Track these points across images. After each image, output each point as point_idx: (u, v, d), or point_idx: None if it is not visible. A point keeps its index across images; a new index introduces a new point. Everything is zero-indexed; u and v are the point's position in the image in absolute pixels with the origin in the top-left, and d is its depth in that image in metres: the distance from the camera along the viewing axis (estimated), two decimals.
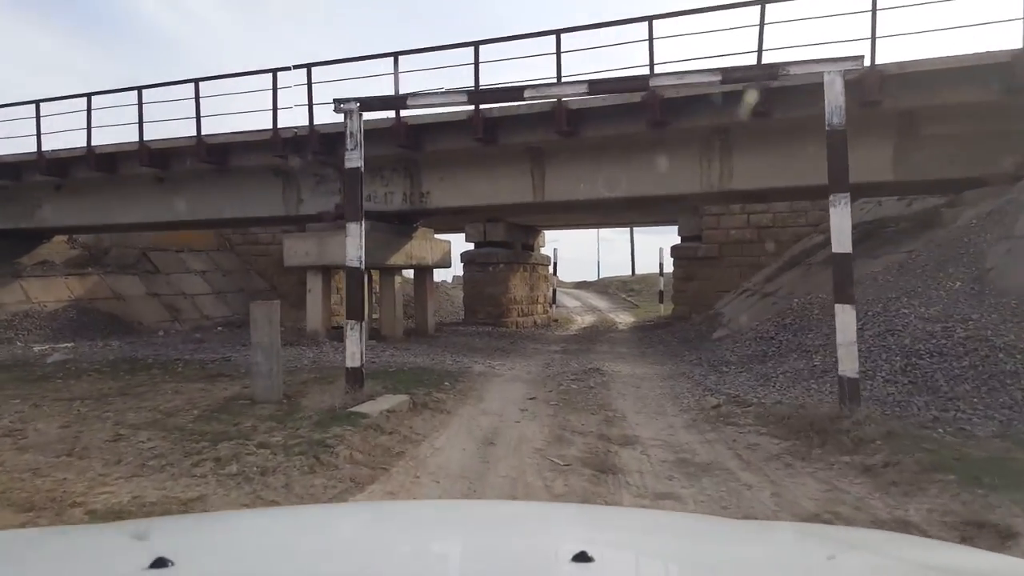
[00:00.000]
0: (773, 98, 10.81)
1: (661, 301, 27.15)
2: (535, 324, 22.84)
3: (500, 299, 20.92)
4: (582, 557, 1.08)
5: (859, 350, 7.31)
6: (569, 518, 1.97)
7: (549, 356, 12.88)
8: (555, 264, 27.79)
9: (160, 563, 1.07)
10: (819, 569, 1.28)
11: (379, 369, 9.53)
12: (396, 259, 14.87)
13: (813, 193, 12.93)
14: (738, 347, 10.40)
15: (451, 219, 21.15)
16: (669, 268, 24.75)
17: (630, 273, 48.89)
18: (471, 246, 21.64)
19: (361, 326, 6.93)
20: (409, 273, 17.68)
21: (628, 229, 45.86)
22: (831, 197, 6.43)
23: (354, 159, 7.14)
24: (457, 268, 22.31)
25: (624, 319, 26.89)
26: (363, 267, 6.99)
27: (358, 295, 6.98)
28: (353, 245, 7.08)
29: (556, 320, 25.19)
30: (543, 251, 24.73)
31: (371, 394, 6.86)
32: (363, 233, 7.17)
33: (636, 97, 11.37)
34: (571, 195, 13.08)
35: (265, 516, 2.45)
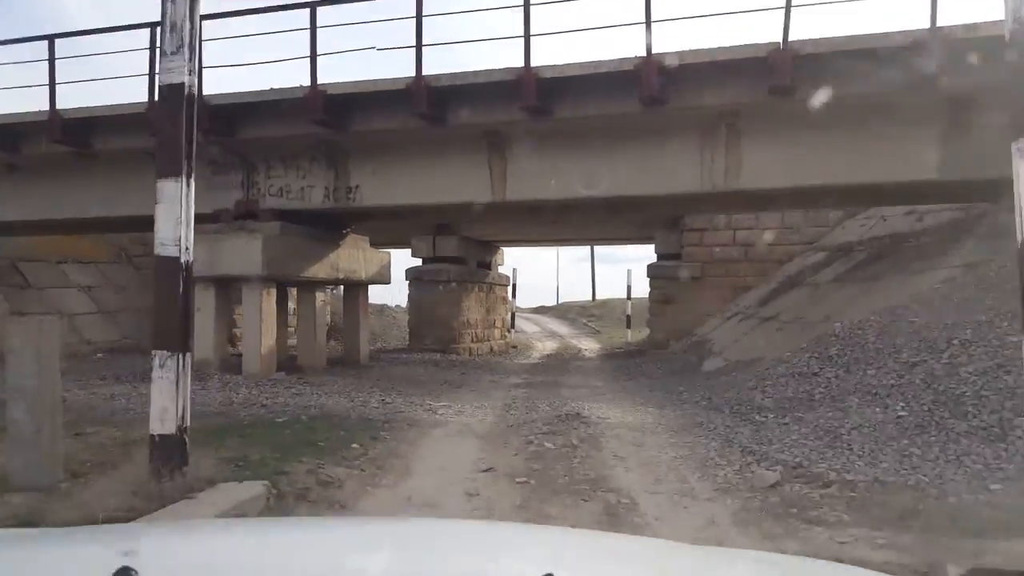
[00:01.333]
0: (802, 70, 8.38)
1: (628, 326, 24.64)
2: (491, 351, 20.07)
3: (451, 322, 18.12)
4: None
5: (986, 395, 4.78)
6: (536, 540, 1.88)
7: (510, 393, 10.15)
8: (514, 285, 25.13)
9: (124, 572, 1.04)
10: None
11: (259, 419, 6.69)
12: (317, 271, 12.00)
13: (839, 195, 10.50)
14: (768, 386, 7.76)
15: (391, 228, 18.34)
16: (638, 291, 22.39)
17: (590, 298, 46.58)
18: (418, 263, 18.85)
19: (181, 361, 4.00)
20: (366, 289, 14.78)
21: (588, 248, 43.40)
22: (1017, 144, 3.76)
23: (177, 70, 4.30)
24: (403, 289, 19.56)
25: (588, 346, 24.29)
26: (184, 259, 4.08)
27: (174, 308, 4.04)
28: (168, 218, 4.17)
29: (515, 346, 22.45)
30: (501, 270, 22.07)
31: (196, 481, 3.96)
32: (188, 199, 4.30)
33: (627, 65, 8.83)
34: (539, 193, 10.43)
35: (237, 526, 2.53)
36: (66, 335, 15.34)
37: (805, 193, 10.09)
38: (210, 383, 9.51)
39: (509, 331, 23.83)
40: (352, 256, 12.96)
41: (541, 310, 44.94)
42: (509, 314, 24.49)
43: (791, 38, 8.35)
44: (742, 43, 8.60)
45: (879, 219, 14.18)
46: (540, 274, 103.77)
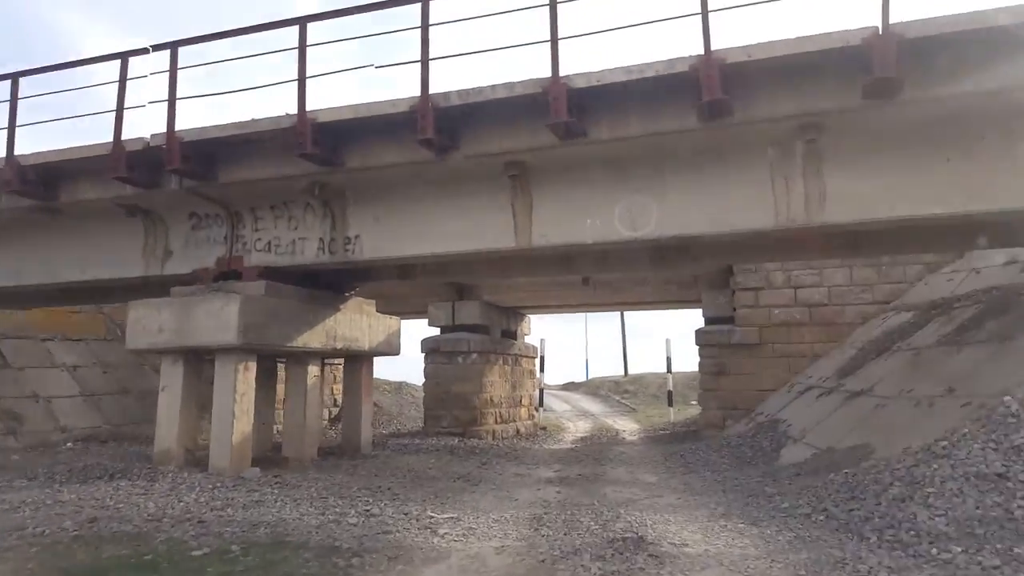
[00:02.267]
0: (908, 65, 6.48)
1: (671, 404, 22.27)
2: (518, 433, 17.83)
3: (472, 400, 16.00)
4: None
5: None
6: None
7: (540, 494, 7.96)
8: (542, 358, 23.01)
9: None
10: None
11: (172, 548, 4.60)
12: (309, 339, 10.05)
13: (961, 230, 8.36)
14: (932, 496, 5.34)
15: (405, 295, 16.52)
16: (678, 364, 20.14)
17: (622, 373, 44.14)
18: (436, 332, 16.90)
19: None
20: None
21: (620, 316, 41.28)
22: None
23: None
24: (417, 362, 17.49)
25: (626, 426, 21.90)
26: None
27: None
28: None
29: (544, 428, 20.17)
30: (528, 340, 20.01)
31: None
32: None
33: (680, 66, 7.00)
34: (572, 236, 8.47)
35: None
36: (39, 422, 13.56)
37: (912, 228, 8.00)
38: (159, 483, 7.46)
39: (537, 410, 21.60)
40: (354, 322, 11.03)
41: (570, 386, 42.52)
42: (537, 390, 22.30)
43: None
44: (826, 31, 6.73)
45: (970, 272, 12.01)
46: (567, 348, 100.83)
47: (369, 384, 11.99)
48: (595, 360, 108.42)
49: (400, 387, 25.38)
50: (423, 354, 16.49)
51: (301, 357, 10.31)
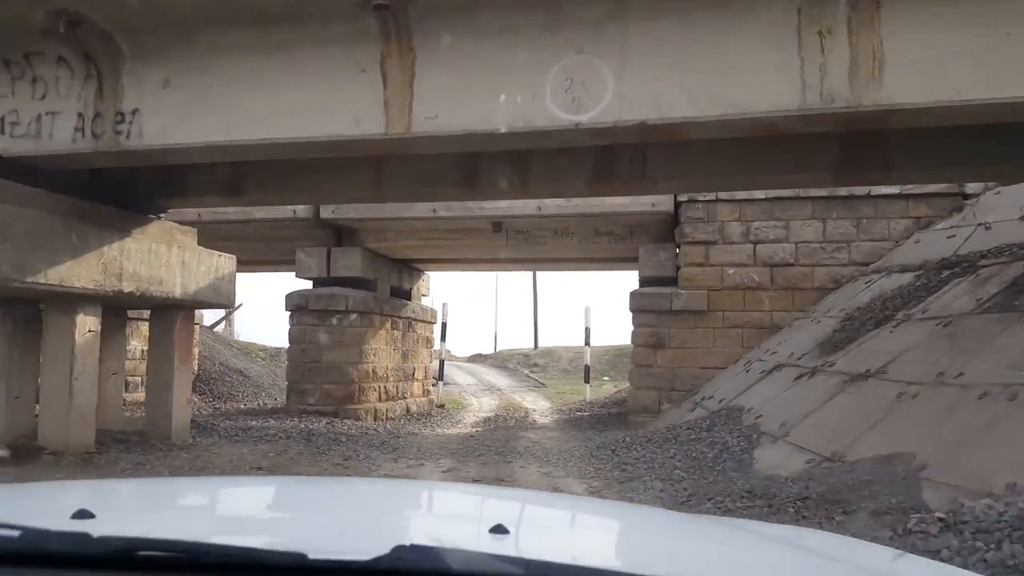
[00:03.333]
0: None
1: (587, 380, 19.59)
2: (407, 413, 14.66)
3: (348, 371, 12.71)
4: (498, 529, 1.11)
5: None
6: (486, 498, 2.02)
7: None
8: (444, 325, 19.88)
9: (82, 514, 1.10)
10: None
11: None
12: (72, 275, 6.53)
13: None
14: None
15: (263, 235, 13.05)
16: (597, 337, 17.37)
17: (532, 345, 41.62)
18: (307, 286, 13.47)
19: None
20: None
21: (531, 275, 38.56)
22: None
23: None
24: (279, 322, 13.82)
25: (537, 404, 19.08)
26: None
27: None
28: None
29: (442, 405, 17.08)
30: (425, 302, 16.77)
31: None
32: None
33: None
34: (476, 119, 5.29)
35: (190, 481, 2.68)
36: None
37: (1003, 129, 5.22)
38: None
39: (435, 384, 18.49)
40: (155, 256, 7.55)
41: (477, 359, 39.66)
42: (436, 361, 19.18)
43: None
44: None
45: (977, 227, 9.58)
46: (475, 317, 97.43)
47: (187, 345, 8.58)
48: (507, 332, 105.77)
49: (279, 354, 21.71)
50: (288, 312, 13.05)
51: (62, 301, 6.79)
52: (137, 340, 15.38)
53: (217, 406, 15.22)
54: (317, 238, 13.37)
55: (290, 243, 13.45)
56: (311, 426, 10.78)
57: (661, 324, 11.47)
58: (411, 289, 15.64)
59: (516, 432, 11.74)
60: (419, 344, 15.79)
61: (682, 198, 11.50)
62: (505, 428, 12.86)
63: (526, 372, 32.38)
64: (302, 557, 0.91)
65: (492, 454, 8.79)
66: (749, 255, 11.41)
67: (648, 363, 11.48)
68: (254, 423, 10.64)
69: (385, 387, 13.76)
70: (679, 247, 11.76)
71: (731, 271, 11.39)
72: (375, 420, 13.01)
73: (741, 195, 11.35)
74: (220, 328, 23.90)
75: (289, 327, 13.01)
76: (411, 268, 15.58)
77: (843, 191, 11.17)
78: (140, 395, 14.38)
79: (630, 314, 11.80)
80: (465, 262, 14.93)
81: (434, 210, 12.03)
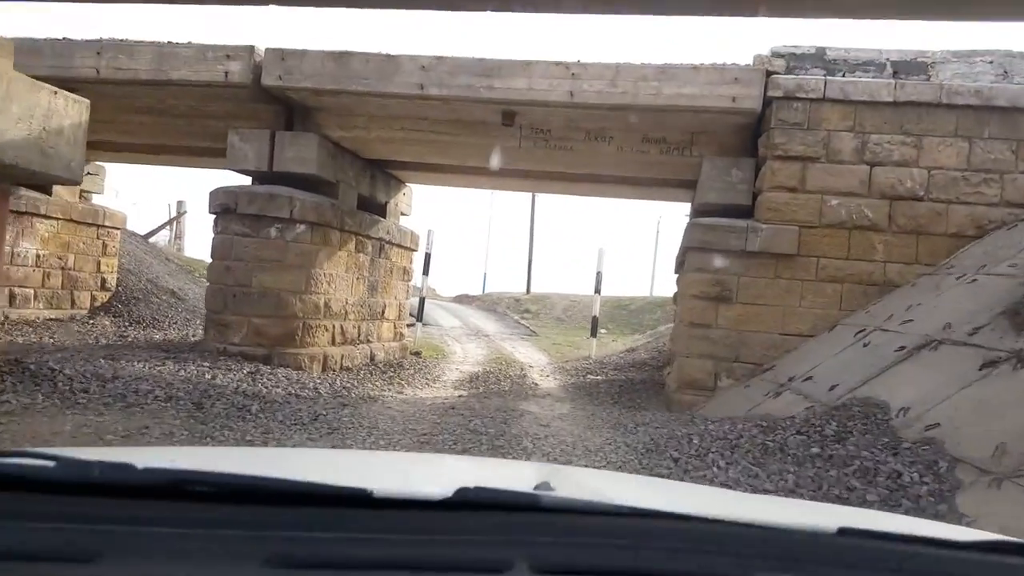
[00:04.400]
0: None
1: (594, 334, 16.33)
2: (371, 361, 11.36)
3: (290, 303, 9.34)
4: (544, 487, 1.05)
5: None
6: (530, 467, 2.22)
7: None
8: (429, 256, 16.47)
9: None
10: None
11: None
12: None
13: None
14: None
15: (185, 110, 9.58)
16: (624, 285, 14.03)
17: (524, 290, 38.44)
18: (245, 182, 9.99)
19: None
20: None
21: (530, 197, 35.36)
22: None
23: None
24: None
25: (532, 357, 15.84)
26: None
27: None
28: None
29: (418, 353, 13.81)
30: (406, 223, 13.29)
31: None
32: None
33: None
34: None
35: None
36: None
37: None
38: None
39: (412, 325, 15.23)
40: None
41: (463, 299, 36.48)
42: (416, 299, 15.88)
43: None
44: None
45: None
46: (463, 255, 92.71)
47: None
48: (497, 274, 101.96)
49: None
50: (213, 215, 9.61)
51: None
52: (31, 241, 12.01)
53: (128, 334, 11.90)
54: (260, 117, 9.84)
55: (224, 122, 9.92)
56: (222, 378, 7.47)
57: (729, 269, 8.14)
58: (387, 204, 12.17)
59: (514, 403, 8.45)
60: (393, 275, 12.40)
61: (775, 92, 8.07)
62: (498, 393, 9.61)
63: (516, 318, 29.23)
64: (366, 492, 0.88)
65: (484, 449, 5.51)
66: (862, 181, 8.03)
67: (705, 322, 8.17)
68: (136, 368, 7.30)
69: (342, 327, 10.41)
70: (762, 164, 8.37)
71: (834, 202, 8.02)
72: (324, 371, 9.72)
73: (859, 94, 7.96)
74: (161, 240, 20.38)
75: (213, 238, 9.59)
76: (388, 176, 12.08)
77: (1003, 99, 7.79)
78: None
79: (673, 257, 8.45)
80: (460, 172, 11.39)
81: (422, 86, 8.55)
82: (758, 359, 7.85)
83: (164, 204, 37.72)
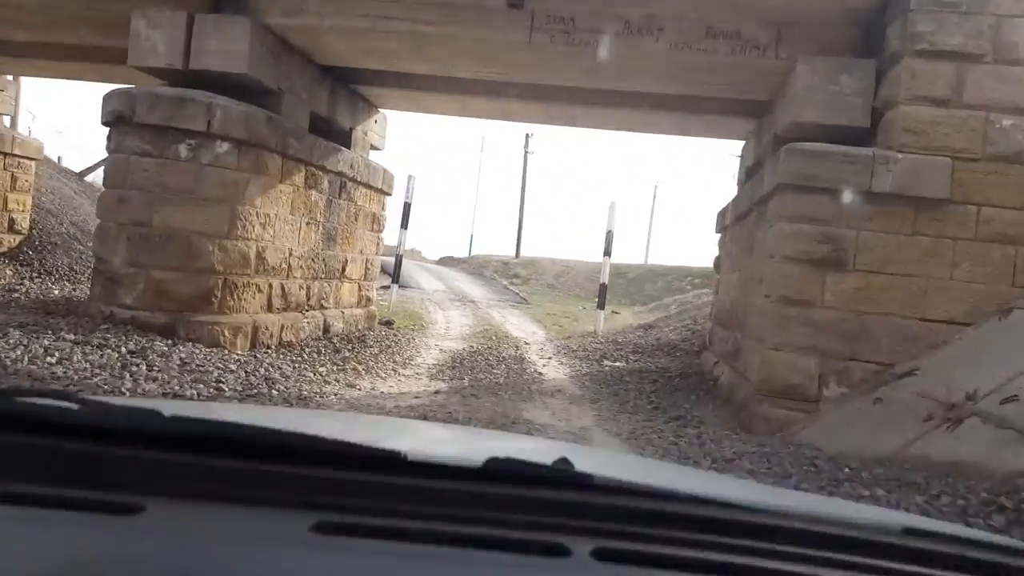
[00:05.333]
0: None
1: (601, 306, 13.72)
2: (325, 334, 8.67)
3: (205, 249, 6.63)
4: (563, 462, 0.97)
5: None
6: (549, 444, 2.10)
7: None
8: (408, 207, 13.76)
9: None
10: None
11: None
12: None
13: None
14: None
15: None
16: (619, 252, 11.19)
17: (513, 253, 35.90)
18: (152, 85, 7.17)
19: None
20: None
21: (523, 138, 32.88)
22: None
23: None
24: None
25: (527, 330, 13.23)
26: None
27: None
28: None
29: (390, 322, 11.12)
30: (377, 158, 10.49)
31: None
32: None
33: None
34: None
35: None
36: None
37: None
38: None
39: (386, 287, 12.59)
40: None
41: (448, 261, 33.87)
42: (387, 257, 13.22)
43: None
44: None
45: None
46: (447, 214, 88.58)
47: None
48: (485, 237, 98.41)
49: None
50: (106, 128, 6.83)
51: None
52: None
53: (22, 287, 9.24)
54: None
55: (132, 5, 7.08)
56: (77, 362, 4.81)
57: (843, 219, 5.52)
58: (352, 131, 9.39)
59: (514, 408, 5.87)
60: (359, 222, 9.67)
61: None
62: (490, 388, 6.99)
63: (505, 283, 26.69)
64: (398, 454, 0.84)
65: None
66: None
67: (805, 297, 5.57)
68: None
69: (283, 287, 7.71)
70: (890, 67, 5.71)
71: (1007, 122, 5.40)
72: (253, 347, 7.04)
73: None
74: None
75: (107, 157, 6.83)
76: (354, 95, 9.27)
77: None
78: None
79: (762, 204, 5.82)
80: (446, 90, 8.54)
81: None
82: (887, 357, 5.29)
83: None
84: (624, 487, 0.84)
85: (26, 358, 4.68)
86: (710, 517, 0.83)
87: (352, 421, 2.13)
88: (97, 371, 4.76)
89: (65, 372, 4.54)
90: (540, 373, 8.32)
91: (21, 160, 10.62)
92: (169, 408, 0.90)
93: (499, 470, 0.82)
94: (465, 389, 6.80)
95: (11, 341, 5.06)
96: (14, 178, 10.58)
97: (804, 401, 5.42)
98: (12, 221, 10.89)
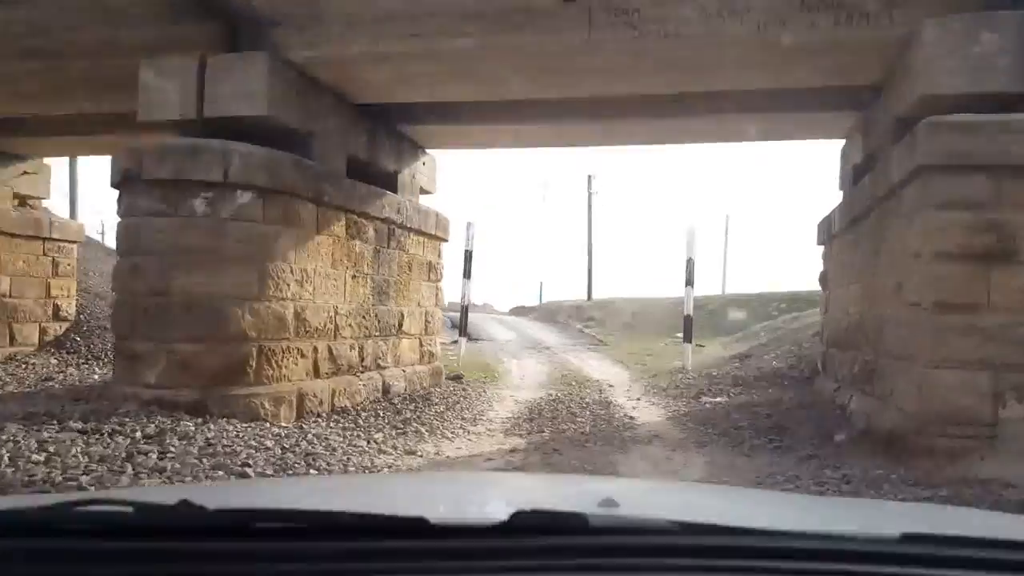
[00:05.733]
0: None
1: (688, 339, 12.44)
2: (384, 395, 7.75)
3: (232, 315, 5.83)
4: (608, 503, 1.08)
5: None
6: (593, 481, 2.26)
7: None
8: (469, 255, 12.92)
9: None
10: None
11: None
12: None
13: None
14: None
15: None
16: (697, 283, 9.99)
17: (585, 297, 34.67)
18: (165, 140, 6.53)
19: None
20: None
21: (586, 180, 31.66)
22: None
23: None
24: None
25: (608, 372, 12.04)
26: None
27: None
28: None
29: (459, 377, 10.11)
30: (428, 202, 9.64)
31: None
32: None
33: None
34: None
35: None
36: None
37: None
38: None
39: (456, 342, 11.66)
40: None
41: (519, 311, 32.99)
42: (448, 305, 12.34)
43: None
44: None
45: None
46: (512, 261, 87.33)
47: None
48: (553, 284, 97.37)
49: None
50: (116, 192, 6.19)
51: None
52: None
53: (62, 373, 8.74)
54: (190, 39, 6.39)
55: (139, 57, 6.49)
56: (77, 451, 4.00)
57: (1005, 203, 4.29)
58: (397, 174, 8.59)
59: (605, 462, 4.80)
60: (412, 271, 8.81)
61: None
62: (574, 440, 5.88)
63: (579, 327, 25.52)
64: (423, 521, 0.89)
65: None
66: None
67: (967, 300, 4.32)
68: None
69: (331, 348, 6.84)
70: None
71: None
72: (299, 417, 6.16)
73: None
74: None
75: (119, 223, 6.16)
76: (395, 133, 8.50)
77: None
78: None
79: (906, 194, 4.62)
80: (497, 116, 7.56)
81: None
82: None
83: None
84: (629, 525, 0.88)
85: (6, 458, 3.87)
86: (709, 546, 0.84)
87: (384, 485, 2.07)
88: (93, 466, 3.92)
89: (48, 474, 3.70)
90: (631, 417, 7.17)
91: (62, 244, 10.29)
92: (207, 495, 1.03)
93: (526, 524, 0.85)
94: (546, 444, 5.73)
95: (3, 437, 4.29)
96: (55, 263, 10.24)
97: (976, 425, 4.16)
98: (57, 308, 10.54)
